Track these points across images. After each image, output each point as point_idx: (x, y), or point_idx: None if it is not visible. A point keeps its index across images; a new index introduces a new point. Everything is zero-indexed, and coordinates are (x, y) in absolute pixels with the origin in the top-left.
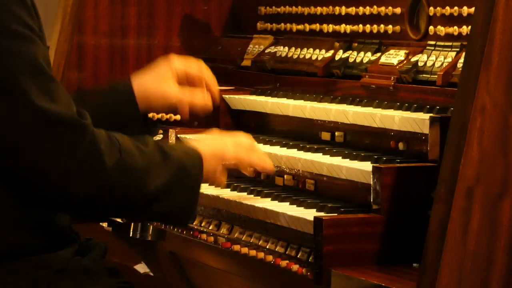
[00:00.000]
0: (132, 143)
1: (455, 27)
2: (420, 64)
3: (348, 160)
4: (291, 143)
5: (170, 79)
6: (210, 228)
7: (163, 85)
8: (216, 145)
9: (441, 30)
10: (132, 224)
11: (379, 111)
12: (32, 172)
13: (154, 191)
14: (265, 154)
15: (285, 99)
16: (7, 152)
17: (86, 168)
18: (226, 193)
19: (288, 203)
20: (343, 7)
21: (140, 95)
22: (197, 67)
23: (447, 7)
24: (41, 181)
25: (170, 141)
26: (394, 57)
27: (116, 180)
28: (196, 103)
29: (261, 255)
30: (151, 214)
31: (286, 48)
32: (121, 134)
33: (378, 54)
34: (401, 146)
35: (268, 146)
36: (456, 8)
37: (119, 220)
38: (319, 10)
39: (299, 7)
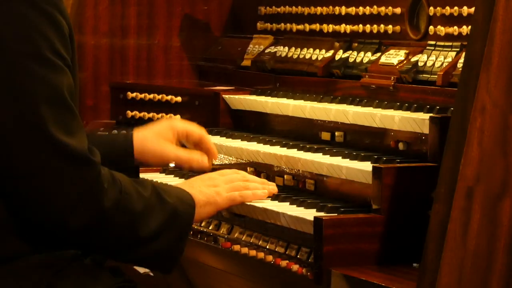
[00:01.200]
0: (132, 186)
1: (455, 27)
2: (420, 64)
3: (348, 160)
4: (291, 143)
5: (170, 139)
6: (210, 228)
7: (162, 144)
8: (209, 191)
9: (441, 30)
10: None
11: (379, 111)
12: (33, 196)
13: (146, 234)
14: (262, 180)
15: (285, 99)
16: (13, 174)
17: (86, 202)
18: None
19: (288, 203)
20: (343, 7)
21: (139, 150)
22: (198, 129)
23: (447, 7)
24: (39, 206)
25: None
26: (394, 57)
27: (111, 220)
28: (193, 164)
29: (261, 255)
30: (138, 256)
31: (286, 48)
32: (123, 175)
33: (378, 54)
34: (401, 146)
35: (268, 146)
36: (456, 8)
37: None
38: (319, 10)
39: (299, 7)
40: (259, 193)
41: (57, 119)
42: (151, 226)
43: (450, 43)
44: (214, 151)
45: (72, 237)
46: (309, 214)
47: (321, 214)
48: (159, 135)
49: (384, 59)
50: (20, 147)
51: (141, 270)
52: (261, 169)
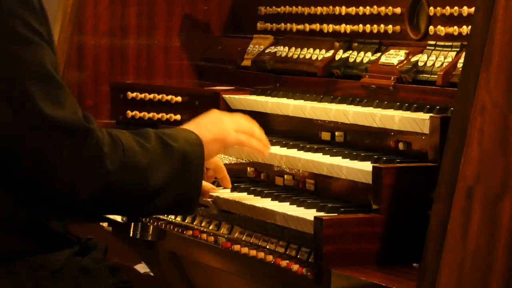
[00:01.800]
0: (134, 140)
1: (455, 27)
2: (420, 64)
3: (348, 160)
4: (291, 143)
5: None
6: (210, 228)
7: None
8: (217, 129)
9: (441, 30)
10: (132, 224)
11: (379, 111)
12: (37, 176)
13: (158, 186)
14: (264, 137)
15: (285, 99)
16: (12, 156)
17: (90, 171)
18: (226, 193)
19: (288, 203)
20: (343, 7)
21: None
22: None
23: (447, 7)
24: (45, 185)
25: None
26: (394, 57)
27: (120, 181)
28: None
29: (261, 255)
30: (156, 207)
31: (286, 48)
32: (123, 131)
33: (378, 54)
34: (401, 146)
35: None
36: (456, 8)
37: (119, 220)
38: (319, 10)
39: (299, 7)
40: (261, 147)
41: (45, 94)
42: (161, 176)
43: (450, 43)
44: (228, 180)
45: (87, 208)
46: (309, 214)
47: (321, 214)
48: None
49: (384, 59)
50: (14, 129)
51: (141, 270)
52: (261, 169)
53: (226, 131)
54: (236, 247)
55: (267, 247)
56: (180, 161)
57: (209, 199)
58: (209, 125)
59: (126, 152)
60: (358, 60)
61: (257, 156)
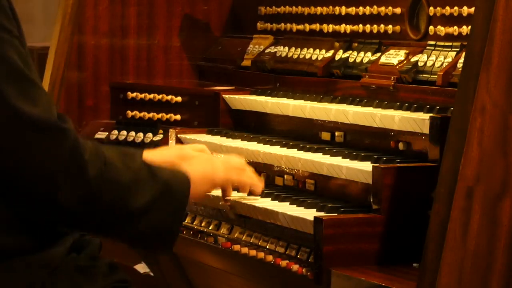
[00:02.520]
0: (118, 157)
1: (455, 27)
2: (420, 64)
3: (348, 160)
4: (291, 143)
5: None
6: (210, 228)
7: None
8: (206, 168)
9: (441, 30)
10: None
11: (379, 111)
12: (13, 175)
13: (137, 207)
14: (256, 175)
15: (285, 99)
16: None
17: (68, 173)
18: None
19: (288, 203)
20: (343, 7)
21: None
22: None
23: (447, 7)
24: (23, 181)
25: (171, 141)
26: (394, 57)
27: (99, 190)
28: None
29: (261, 255)
30: (132, 233)
31: (286, 48)
32: (109, 147)
33: (378, 54)
34: (401, 146)
35: (268, 146)
36: (456, 8)
37: None
38: (319, 10)
39: (299, 7)
40: (255, 182)
41: (19, 92)
42: (141, 199)
43: (450, 43)
44: (231, 191)
45: (64, 214)
46: (309, 214)
47: (321, 214)
48: (167, 159)
49: (384, 59)
50: None
51: (141, 270)
52: (261, 169)
53: (215, 170)
54: (236, 247)
55: (267, 247)
56: (163, 189)
57: (227, 204)
58: (197, 165)
59: (108, 166)
60: (358, 60)
61: (251, 191)
